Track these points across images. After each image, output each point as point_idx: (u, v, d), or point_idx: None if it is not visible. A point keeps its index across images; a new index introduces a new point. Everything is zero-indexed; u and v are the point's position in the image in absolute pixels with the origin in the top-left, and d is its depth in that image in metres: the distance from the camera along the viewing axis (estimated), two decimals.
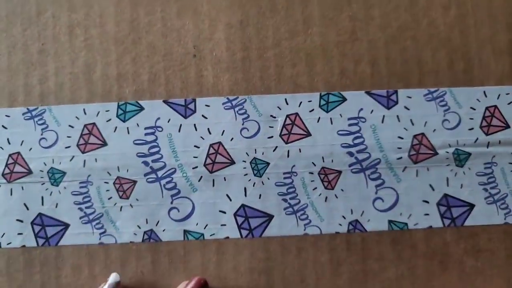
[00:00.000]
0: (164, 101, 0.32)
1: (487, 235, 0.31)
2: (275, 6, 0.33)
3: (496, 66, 0.32)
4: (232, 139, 0.32)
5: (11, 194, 0.32)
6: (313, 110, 0.32)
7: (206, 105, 0.32)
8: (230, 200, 0.32)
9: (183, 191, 0.32)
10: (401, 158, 0.32)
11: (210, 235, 0.31)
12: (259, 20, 0.32)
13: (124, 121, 0.32)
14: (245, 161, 0.32)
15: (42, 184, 0.32)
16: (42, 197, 0.32)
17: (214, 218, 0.31)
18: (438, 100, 0.32)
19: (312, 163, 0.32)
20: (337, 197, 0.32)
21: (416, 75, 0.32)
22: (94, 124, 0.32)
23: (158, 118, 0.32)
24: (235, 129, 0.32)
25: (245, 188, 0.32)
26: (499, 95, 0.32)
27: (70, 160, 0.32)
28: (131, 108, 0.32)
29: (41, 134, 0.32)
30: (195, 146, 0.32)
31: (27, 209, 0.32)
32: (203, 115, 0.32)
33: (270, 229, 0.31)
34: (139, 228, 0.31)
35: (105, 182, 0.32)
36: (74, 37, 0.33)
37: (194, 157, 0.32)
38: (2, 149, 0.32)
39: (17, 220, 0.32)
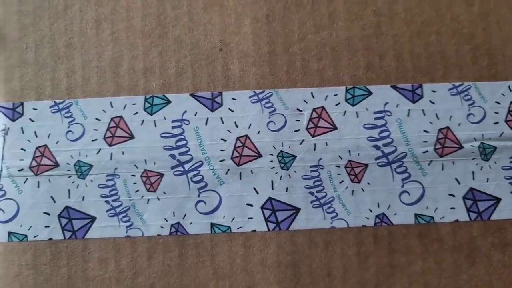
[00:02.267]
0: (191, 95, 0.32)
1: None
2: (301, 1, 0.33)
3: None
4: (258, 132, 0.32)
5: (38, 187, 0.32)
6: (339, 103, 0.32)
7: (233, 99, 0.32)
8: (257, 193, 0.32)
9: (210, 184, 0.32)
10: (426, 151, 0.32)
11: (237, 228, 0.31)
12: (285, 14, 0.33)
13: (151, 114, 0.32)
14: (272, 154, 0.32)
15: (69, 177, 0.32)
16: (69, 190, 0.32)
17: (241, 211, 0.32)
18: (463, 95, 0.32)
19: (339, 156, 0.32)
20: (363, 191, 0.32)
21: (440, 69, 0.33)
22: (121, 117, 0.32)
23: (185, 111, 0.32)
24: (262, 123, 0.32)
25: (272, 181, 0.32)
26: None
27: (97, 153, 0.32)
28: (158, 101, 0.32)
29: (68, 127, 0.32)
30: (222, 139, 0.32)
31: (54, 202, 0.32)
32: (229, 109, 0.32)
33: (297, 222, 0.31)
34: (166, 221, 0.31)
35: (132, 175, 0.32)
36: (101, 31, 0.33)
37: (221, 150, 0.32)
38: (30, 142, 0.32)
39: (44, 213, 0.32)
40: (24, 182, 0.32)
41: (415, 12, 0.33)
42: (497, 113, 0.32)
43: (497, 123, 0.32)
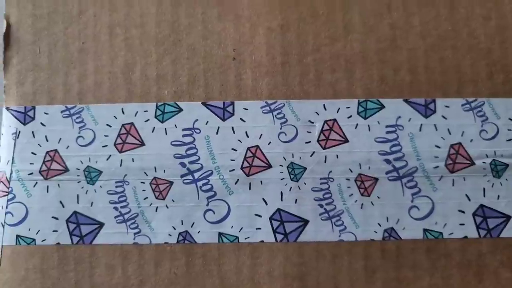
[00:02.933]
0: (203, 103, 0.32)
1: None
2: (316, 12, 0.33)
3: None
4: (269, 143, 0.32)
5: (47, 191, 0.32)
6: (351, 116, 0.32)
7: (245, 108, 0.32)
8: (266, 204, 0.32)
9: (219, 194, 0.32)
10: (437, 167, 0.32)
11: (245, 239, 0.31)
12: (300, 25, 0.33)
13: (162, 121, 0.32)
14: (282, 166, 0.32)
15: (78, 182, 0.32)
16: (78, 195, 0.32)
17: (250, 221, 0.31)
18: (476, 110, 0.32)
19: (349, 169, 0.32)
20: (373, 204, 0.32)
21: (454, 84, 0.32)
22: (132, 124, 0.32)
23: (196, 120, 0.32)
24: (273, 133, 0.32)
25: (281, 192, 0.32)
26: None
27: (107, 159, 0.32)
28: (169, 109, 0.32)
29: (79, 133, 0.32)
30: (232, 149, 0.32)
31: (63, 206, 0.32)
32: (241, 118, 0.32)
33: (305, 234, 0.31)
34: (174, 229, 0.31)
35: (141, 182, 0.32)
36: (114, 37, 0.33)
37: (231, 160, 0.32)
38: (40, 146, 0.32)
39: (53, 217, 0.32)
40: (34, 186, 0.32)
41: (431, 26, 0.33)
42: (510, 130, 0.32)
43: (510, 140, 0.32)
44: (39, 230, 0.31)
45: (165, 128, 0.32)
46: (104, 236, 0.31)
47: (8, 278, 0.31)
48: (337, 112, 0.32)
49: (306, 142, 0.32)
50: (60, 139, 0.32)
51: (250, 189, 0.32)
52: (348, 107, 0.32)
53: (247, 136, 0.32)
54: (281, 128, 0.32)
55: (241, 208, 0.31)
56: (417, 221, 0.32)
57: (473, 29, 0.33)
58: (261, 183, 0.32)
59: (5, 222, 0.31)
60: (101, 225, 0.32)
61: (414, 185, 0.32)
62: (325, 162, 0.32)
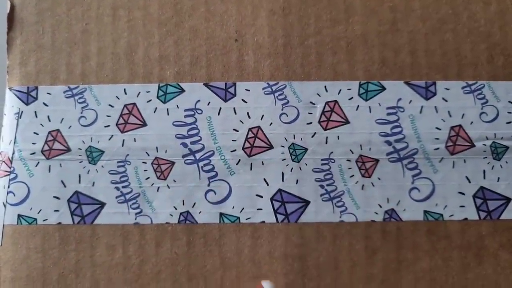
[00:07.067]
0: (205, 84, 0.32)
1: None
2: None
3: None
4: (271, 124, 0.32)
5: (49, 171, 0.32)
6: (352, 98, 0.32)
7: (246, 90, 0.32)
8: (267, 184, 0.32)
9: (221, 174, 0.32)
10: (438, 149, 0.32)
11: (246, 219, 0.31)
12: (301, 7, 0.33)
13: (164, 102, 0.32)
14: (283, 146, 0.32)
15: (80, 162, 0.32)
16: (80, 175, 0.32)
17: (251, 202, 0.32)
18: (476, 93, 0.32)
19: (350, 150, 0.32)
20: (373, 186, 0.32)
21: (454, 67, 0.33)
22: (134, 104, 0.32)
23: (198, 101, 0.32)
24: (274, 114, 0.32)
25: (282, 173, 0.32)
26: None
27: (109, 139, 0.32)
28: (171, 89, 0.32)
29: (81, 113, 0.32)
30: (234, 129, 0.32)
31: (64, 186, 0.32)
32: (243, 99, 0.32)
33: (306, 215, 0.31)
34: (175, 209, 0.31)
35: (143, 162, 0.32)
36: (117, 18, 0.33)
37: (233, 140, 0.32)
38: (42, 126, 0.32)
39: (54, 197, 0.32)
40: (36, 166, 0.32)
41: (432, 9, 0.33)
42: (510, 112, 0.32)
43: (509, 122, 0.32)
44: (40, 210, 0.32)
45: (167, 109, 0.32)
46: (105, 216, 0.32)
47: (10, 257, 0.31)
48: (338, 93, 0.32)
49: (307, 123, 0.32)
50: (62, 119, 0.32)
51: (251, 169, 0.32)
52: (349, 89, 0.32)
53: (249, 117, 0.32)
54: (282, 109, 0.32)
55: (242, 189, 0.32)
56: (418, 202, 0.32)
57: (474, 13, 0.33)
58: (262, 164, 0.32)
59: (6, 201, 0.32)
60: (102, 205, 0.32)
61: (415, 166, 0.32)
62: (326, 143, 0.32)
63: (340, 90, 0.32)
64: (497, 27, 0.33)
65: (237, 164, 0.32)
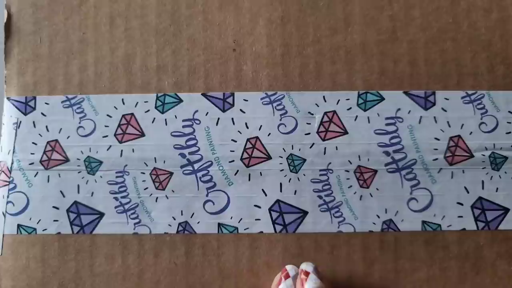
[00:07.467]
0: (203, 94, 0.32)
1: None
2: (316, 3, 0.33)
3: None
4: (269, 134, 0.32)
5: (48, 181, 0.32)
6: (350, 108, 0.32)
7: (244, 100, 0.32)
8: (266, 195, 0.32)
9: (219, 184, 0.32)
10: (437, 159, 0.32)
11: (244, 229, 0.32)
12: (300, 16, 0.33)
13: (162, 112, 0.32)
14: (281, 157, 0.32)
15: (78, 172, 0.32)
16: (78, 185, 0.32)
17: (249, 212, 0.32)
18: (476, 103, 0.32)
19: (348, 161, 0.32)
20: (372, 196, 0.32)
21: (454, 77, 0.32)
22: (132, 114, 0.32)
23: (196, 111, 0.32)
24: (273, 125, 0.32)
25: (280, 184, 0.32)
26: None
27: (107, 149, 0.32)
28: (169, 100, 0.32)
29: (79, 123, 0.32)
30: (232, 140, 0.32)
31: (63, 196, 0.32)
32: (241, 109, 0.32)
33: (304, 225, 0.32)
34: (174, 219, 0.32)
35: (141, 173, 0.32)
36: (115, 28, 0.33)
37: (231, 151, 0.32)
38: (41, 136, 0.32)
39: (53, 207, 0.32)
40: (35, 176, 0.32)
41: (432, 18, 0.32)
42: (509, 123, 0.32)
43: (509, 133, 0.32)
44: (40, 220, 0.32)
45: (165, 119, 0.32)
46: (104, 226, 0.32)
47: (10, 267, 0.31)
48: (337, 103, 0.32)
49: (305, 134, 0.32)
50: (60, 129, 0.32)
51: (249, 180, 0.32)
52: (348, 99, 0.32)
53: (247, 127, 0.32)
54: (280, 120, 0.32)
55: (241, 199, 0.32)
56: (416, 213, 0.32)
57: (474, 22, 0.33)
58: (261, 174, 0.32)
59: (6, 211, 0.32)
60: (101, 215, 0.32)
61: (413, 177, 0.32)
62: (324, 153, 0.32)
63: (339, 100, 0.32)
64: (498, 36, 0.32)
65: (235, 174, 0.32)
